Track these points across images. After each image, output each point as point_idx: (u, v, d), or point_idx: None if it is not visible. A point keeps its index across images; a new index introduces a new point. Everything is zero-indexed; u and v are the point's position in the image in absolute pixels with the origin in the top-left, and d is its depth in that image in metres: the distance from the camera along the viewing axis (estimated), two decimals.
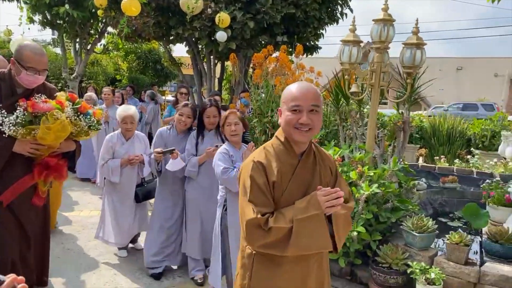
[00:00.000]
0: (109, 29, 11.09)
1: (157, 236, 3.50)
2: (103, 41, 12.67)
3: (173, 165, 3.28)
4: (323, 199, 1.53)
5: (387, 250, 3.07)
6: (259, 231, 1.53)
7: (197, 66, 9.98)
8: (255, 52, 5.85)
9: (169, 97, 14.82)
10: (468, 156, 7.32)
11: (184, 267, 3.58)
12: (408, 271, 2.91)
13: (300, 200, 1.57)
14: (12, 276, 0.97)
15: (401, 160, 4.09)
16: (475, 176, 5.78)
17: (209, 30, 7.54)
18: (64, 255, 3.84)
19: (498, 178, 4.74)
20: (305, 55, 8.95)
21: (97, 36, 11.44)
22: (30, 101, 2.32)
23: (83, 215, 5.02)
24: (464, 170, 6.04)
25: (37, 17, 9.96)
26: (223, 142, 3.33)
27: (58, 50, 15.16)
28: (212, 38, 7.58)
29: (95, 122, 2.58)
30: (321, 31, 9.12)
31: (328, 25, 9.04)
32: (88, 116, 2.54)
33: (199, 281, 3.38)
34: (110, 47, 14.91)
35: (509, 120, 8.69)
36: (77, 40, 11.07)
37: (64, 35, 11.10)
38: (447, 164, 6.63)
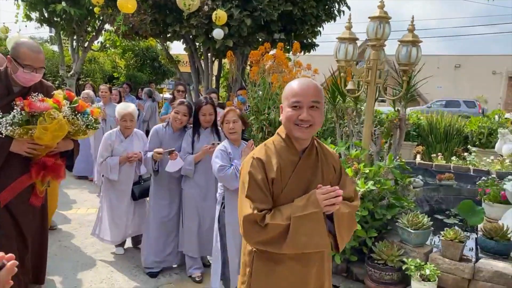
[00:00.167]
0: (107, 26, 11.08)
1: (156, 236, 3.48)
2: (100, 39, 12.66)
3: (172, 166, 3.28)
4: (322, 197, 1.51)
5: (383, 247, 3.09)
6: (255, 227, 1.53)
7: (195, 63, 9.97)
8: (252, 50, 5.85)
9: (167, 95, 14.81)
10: (465, 154, 7.34)
11: (181, 265, 3.59)
12: (403, 268, 2.92)
13: (299, 198, 1.56)
14: None
15: (397, 157, 4.10)
16: (472, 173, 5.80)
17: (206, 28, 7.53)
18: (61, 252, 3.84)
19: (494, 175, 4.76)
20: (302, 53, 8.96)
21: (94, 33, 11.43)
22: (27, 100, 2.29)
23: (80, 213, 5.02)
24: (461, 167, 6.07)
25: (34, 15, 9.93)
26: (219, 140, 3.34)
27: (55, 48, 15.14)
28: (209, 36, 7.57)
29: (93, 121, 2.55)
30: (318, 28, 9.12)
31: (326, 22, 9.04)
32: (86, 115, 2.51)
33: (197, 279, 3.39)
34: (108, 45, 14.89)
35: (506, 118, 8.71)
36: (74, 37, 11.05)
37: (61, 32, 11.08)
38: (444, 162, 6.64)
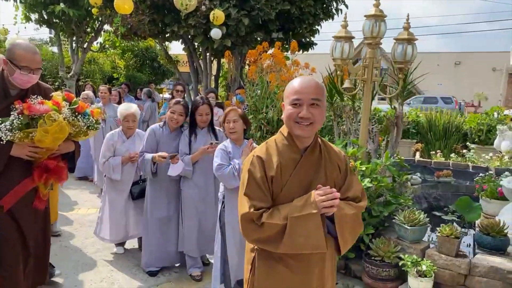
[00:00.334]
0: (106, 27, 11.10)
1: (156, 236, 3.48)
2: (99, 39, 12.68)
3: (174, 169, 3.28)
4: (320, 199, 1.49)
5: (380, 244, 3.11)
6: (251, 226, 1.53)
7: (193, 63, 10.00)
8: (250, 49, 5.88)
9: (167, 95, 14.84)
10: (464, 151, 7.36)
11: (182, 264, 3.61)
12: (400, 264, 2.95)
13: (299, 198, 1.55)
14: None
15: (394, 155, 4.12)
16: (470, 170, 5.82)
17: (204, 28, 7.56)
18: (61, 252, 3.87)
19: (491, 172, 4.78)
20: (301, 51, 8.98)
21: (93, 34, 11.45)
22: (26, 103, 2.24)
23: (81, 213, 5.05)
24: (460, 164, 6.08)
25: (33, 16, 9.97)
26: (216, 139, 3.35)
27: (55, 49, 15.16)
28: (208, 36, 7.59)
29: (94, 121, 2.52)
30: (316, 27, 9.14)
31: (324, 21, 9.05)
32: (86, 116, 2.48)
33: (196, 278, 3.41)
34: (107, 45, 14.93)
35: (505, 114, 8.72)
36: (74, 38, 11.07)
37: (61, 33, 11.11)
38: (443, 159, 6.66)
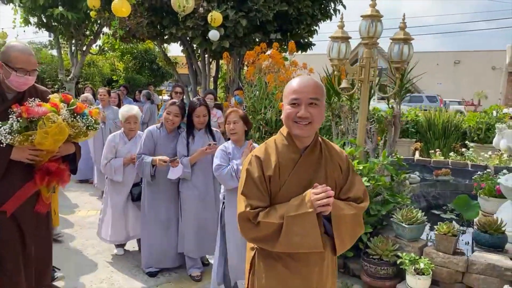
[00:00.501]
0: (105, 29, 11.12)
1: (156, 238, 3.49)
2: (98, 42, 12.70)
3: (173, 173, 3.29)
4: (315, 197, 1.49)
5: (378, 242, 3.13)
6: (248, 224, 1.55)
7: (192, 65, 10.03)
8: (249, 50, 5.90)
9: (166, 97, 14.87)
10: (463, 149, 7.37)
11: (181, 265, 3.63)
12: (398, 262, 2.96)
13: (296, 197, 1.55)
14: None
15: (392, 154, 4.14)
16: (470, 168, 5.83)
17: (202, 29, 7.58)
18: (62, 254, 3.88)
19: (489, 170, 4.79)
20: (299, 52, 9.00)
21: (92, 37, 11.46)
22: (24, 106, 2.22)
23: (81, 215, 5.07)
24: (459, 163, 6.10)
25: (32, 19, 9.99)
26: (214, 140, 3.37)
27: (54, 52, 15.18)
28: (206, 37, 7.62)
29: (93, 121, 2.50)
30: (314, 27, 9.16)
31: (321, 21, 9.08)
32: (85, 116, 2.46)
33: (196, 278, 3.42)
34: (106, 48, 14.94)
35: (504, 113, 8.73)
36: (73, 41, 11.09)
37: (60, 36, 11.13)
38: (443, 158, 6.68)
